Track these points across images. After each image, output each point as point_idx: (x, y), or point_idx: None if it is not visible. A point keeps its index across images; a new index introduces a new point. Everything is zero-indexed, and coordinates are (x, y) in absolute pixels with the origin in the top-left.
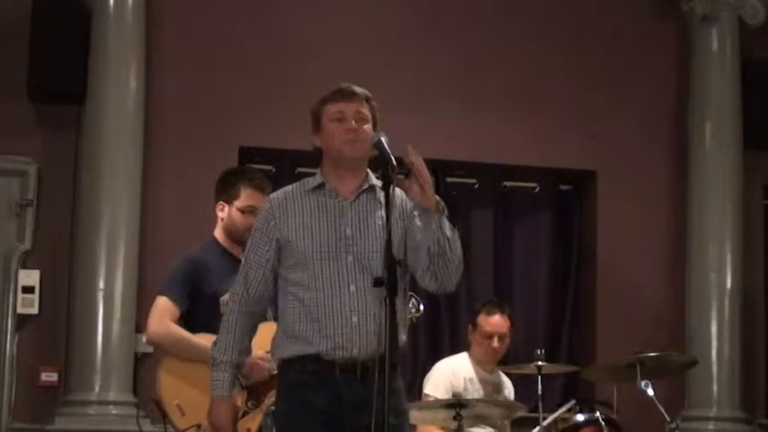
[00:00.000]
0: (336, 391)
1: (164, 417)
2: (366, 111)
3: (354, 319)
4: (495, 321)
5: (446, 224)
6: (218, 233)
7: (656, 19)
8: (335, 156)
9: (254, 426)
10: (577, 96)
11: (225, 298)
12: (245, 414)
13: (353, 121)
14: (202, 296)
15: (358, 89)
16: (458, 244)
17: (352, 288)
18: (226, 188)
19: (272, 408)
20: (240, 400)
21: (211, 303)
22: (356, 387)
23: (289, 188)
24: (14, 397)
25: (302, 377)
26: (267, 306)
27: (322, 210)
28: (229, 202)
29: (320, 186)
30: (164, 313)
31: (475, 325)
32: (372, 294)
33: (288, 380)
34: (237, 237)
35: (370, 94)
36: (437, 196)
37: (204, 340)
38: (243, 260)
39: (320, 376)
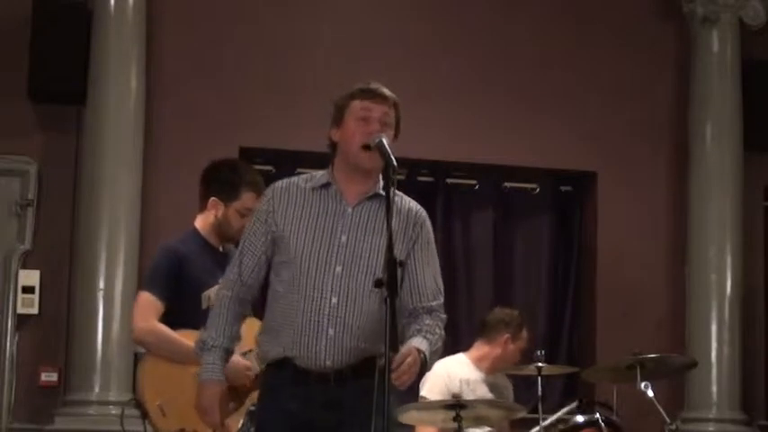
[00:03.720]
0: (309, 394)
1: (144, 417)
2: (392, 116)
3: (331, 331)
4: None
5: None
6: (201, 225)
7: (657, 20)
8: (351, 160)
9: (235, 427)
10: (578, 97)
11: (207, 294)
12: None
13: (378, 124)
14: (184, 291)
15: (387, 91)
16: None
17: (334, 300)
18: (225, 187)
19: (252, 408)
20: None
21: (193, 298)
22: (330, 390)
23: (294, 179)
24: (14, 397)
25: (279, 382)
26: (257, 295)
27: (322, 211)
28: (227, 202)
29: (326, 186)
30: (149, 311)
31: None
32: (355, 308)
33: (267, 383)
34: (230, 236)
35: (398, 99)
36: (421, 352)
37: (189, 340)
38: (240, 245)
39: (295, 382)
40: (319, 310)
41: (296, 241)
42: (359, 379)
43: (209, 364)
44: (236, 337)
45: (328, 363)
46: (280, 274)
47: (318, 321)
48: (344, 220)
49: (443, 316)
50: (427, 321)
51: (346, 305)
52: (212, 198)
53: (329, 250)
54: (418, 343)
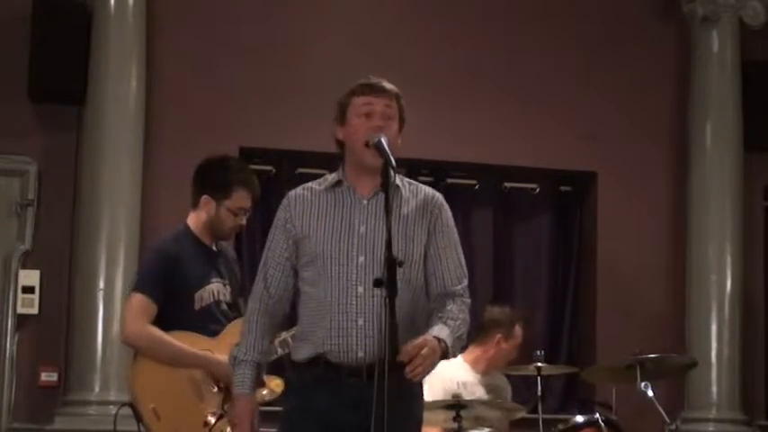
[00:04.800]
0: (341, 392)
1: (138, 420)
2: (394, 108)
3: (360, 321)
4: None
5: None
6: (194, 223)
7: (657, 20)
8: (356, 158)
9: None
10: (577, 97)
11: (200, 293)
12: (221, 417)
13: (380, 119)
14: (177, 291)
15: (388, 84)
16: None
17: (360, 289)
18: (216, 184)
19: None
20: (216, 402)
21: (186, 299)
22: (362, 388)
23: (308, 184)
24: (14, 397)
25: (309, 380)
26: (287, 307)
27: (338, 206)
28: (219, 200)
29: (338, 184)
30: (141, 313)
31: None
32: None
33: (298, 380)
34: (223, 235)
35: (399, 92)
36: (441, 340)
37: (181, 342)
38: (263, 257)
39: (328, 380)
40: (347, 300)
41: (317, 238)
42: (390, 373)
43: (240, 377)
44: (268, 351)
45: (360, 354)
46: (305, 275)
47: (347, 312)
48: (361, 212)
49: (468, 300)
50: (449, 307)
51: (372, 294)
52: (204, 196)
53: (349, 242)
54: (438, 331)
